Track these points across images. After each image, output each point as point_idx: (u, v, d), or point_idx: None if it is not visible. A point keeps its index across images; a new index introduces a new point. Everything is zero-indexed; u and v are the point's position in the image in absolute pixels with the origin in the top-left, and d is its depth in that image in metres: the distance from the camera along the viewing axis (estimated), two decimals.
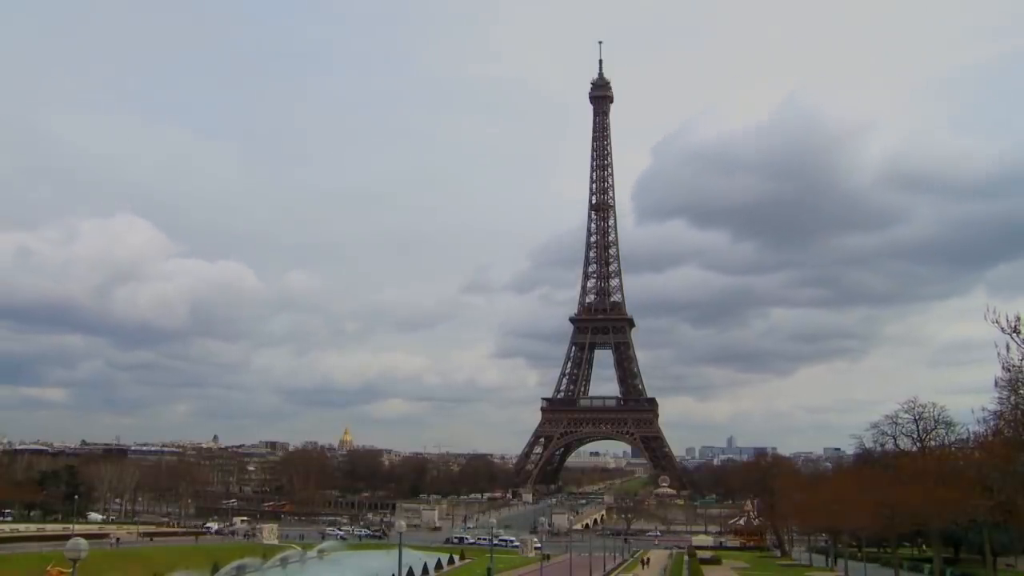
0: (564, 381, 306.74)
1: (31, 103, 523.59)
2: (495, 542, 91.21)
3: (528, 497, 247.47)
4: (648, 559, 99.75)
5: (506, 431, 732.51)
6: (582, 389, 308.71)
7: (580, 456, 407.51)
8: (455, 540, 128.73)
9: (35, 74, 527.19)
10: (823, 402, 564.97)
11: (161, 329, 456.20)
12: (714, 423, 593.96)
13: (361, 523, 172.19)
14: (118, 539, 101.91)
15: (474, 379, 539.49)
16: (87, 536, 46.46)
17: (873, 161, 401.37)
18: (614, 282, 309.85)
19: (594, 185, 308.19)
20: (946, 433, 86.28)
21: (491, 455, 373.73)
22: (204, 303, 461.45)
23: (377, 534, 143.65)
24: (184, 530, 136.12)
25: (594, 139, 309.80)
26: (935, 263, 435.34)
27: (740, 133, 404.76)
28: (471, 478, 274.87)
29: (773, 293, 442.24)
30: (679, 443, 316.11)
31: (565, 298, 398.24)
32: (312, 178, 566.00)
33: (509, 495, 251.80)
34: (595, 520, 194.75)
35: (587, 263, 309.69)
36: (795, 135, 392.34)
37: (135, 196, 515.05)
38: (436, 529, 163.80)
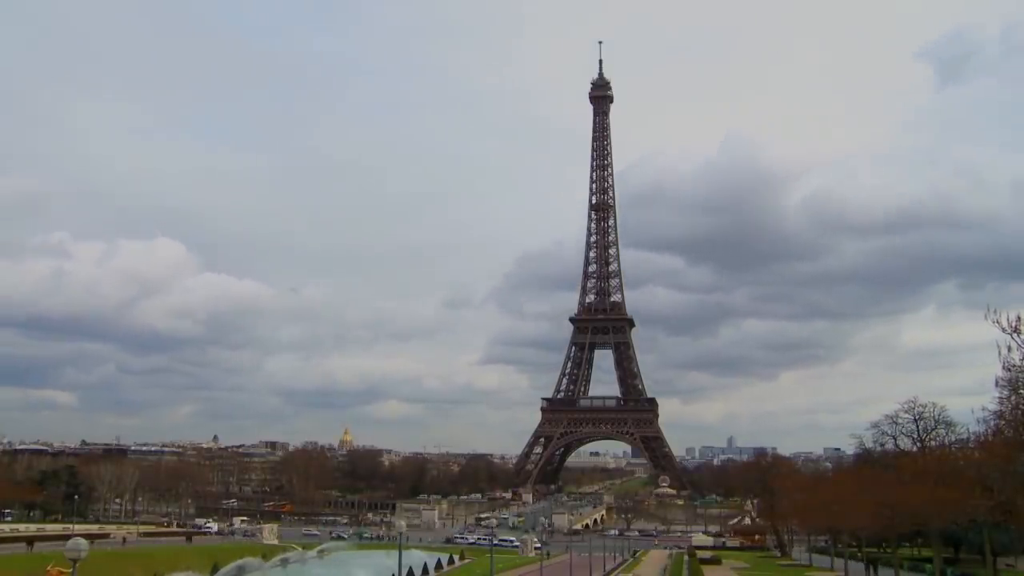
0: (564, 381, 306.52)
1: (68, 124, 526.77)
2: (495, 542, 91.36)
3: (528, 497, 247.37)
4: None
5: (504, 431, 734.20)
6: (582, 389, 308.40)
7: (580, 456, 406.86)
8: (455, 539, 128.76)
9: (71, 95, 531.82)
10: (809, 404, 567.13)
11: (178, 338, 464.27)
12: (705, 424, 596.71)
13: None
14: (124, 539, 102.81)
15: (471, 382, 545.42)
16: (87, 536, 46.39)
17: (803, 201, 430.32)
18: (614, 282, 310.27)
19: (594, 185, 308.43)
20: (946, 433, 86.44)
21: (491, 455, 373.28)
22: (221, 315, 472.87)
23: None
24: (182, 530, 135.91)
25: (594, 139, 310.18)
26: (877, 286, 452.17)
27: (678, 175, 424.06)
28: (471, 478, 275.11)
29: (743, 306, 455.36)
30: (674, 444, 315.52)
31: (546, 308, 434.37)
32: (326, 186, 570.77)
33: (509, 495, 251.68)
34: (595, 520, 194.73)
35: (587, 263, 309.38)
36: (732, 177, 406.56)
37: (165, 212, 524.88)
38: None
